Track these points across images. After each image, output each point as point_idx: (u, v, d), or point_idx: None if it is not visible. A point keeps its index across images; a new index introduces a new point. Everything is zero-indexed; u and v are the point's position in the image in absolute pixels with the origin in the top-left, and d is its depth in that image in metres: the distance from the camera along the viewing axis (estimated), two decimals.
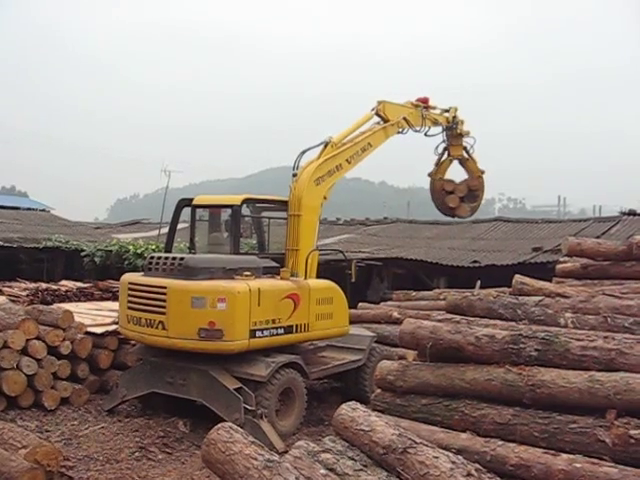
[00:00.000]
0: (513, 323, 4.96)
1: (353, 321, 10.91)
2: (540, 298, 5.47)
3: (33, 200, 41.07)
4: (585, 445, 3.93)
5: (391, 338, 12.34)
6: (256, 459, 3.19)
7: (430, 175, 14.28)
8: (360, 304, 14.41)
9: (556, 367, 4.28)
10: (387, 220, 27.08)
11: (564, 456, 3.86)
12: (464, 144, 14.12)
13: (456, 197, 14.17)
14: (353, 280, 10.75)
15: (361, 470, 3.48)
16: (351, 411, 3.92)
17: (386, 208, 37.76)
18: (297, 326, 9.46)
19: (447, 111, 13.54)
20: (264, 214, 11.23)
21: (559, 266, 7.59)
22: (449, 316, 5.15)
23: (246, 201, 10.29)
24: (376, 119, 11.87)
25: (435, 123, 13.21)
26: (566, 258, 7.93)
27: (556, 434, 4.03)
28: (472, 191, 14.28)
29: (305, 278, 9.85)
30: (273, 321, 9.06)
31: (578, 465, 3.72)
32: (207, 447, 3.40)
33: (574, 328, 4.77)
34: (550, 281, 7.56)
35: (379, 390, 4.96)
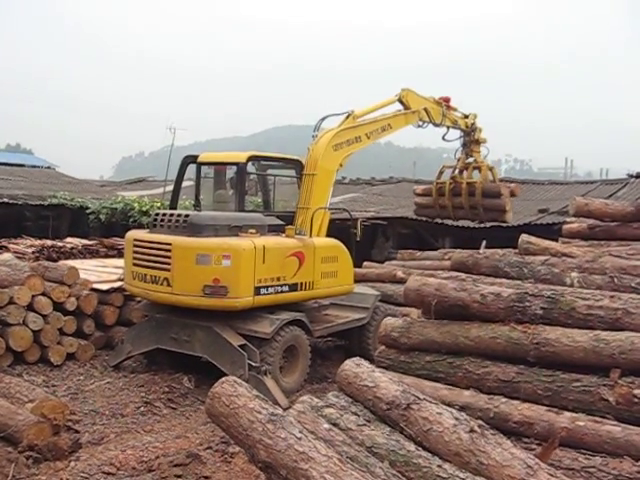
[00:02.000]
0: (519, 282, 4.93)
1: (357, 280, 10.94)
2: (546, 257, 5.44)
3: (38, 157, 40.97)
4: (588, 404, 3.93)
5: (395, 297, 12.42)
6: (260, 413, 3.20)
7: (454, 179, 14.51)
8: (365, 263, 14.49)
9: (561, 326, 4.26)
10: (393, 180, 26.96)
11: (567, 414, 3.87)
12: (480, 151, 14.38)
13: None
14: (358, 239, 10.71)
15: (364, 425, 3.50)
16: (355, 367, 3.93)
17: (392, 169, 37.49)
18: (302, 284, 9.48)
19: (467, 117, 13.79)
20: (269, 172, 11.19)
21: (565, 226, 7.53)
22: (454, 274, 5.13)
23: (252, 158, 10.24)
24: (398, 106, 12.15)
25: (454, 124, 13.48)
26: (573, 219, 7.87)
27: (559, 392, 4.03)
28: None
29: (310, 236, 9.83)
30: (278, 279, 9.07)
31: (581, 423, 3.73)
32: (211, 400, 3.41)
33: (580, 287, 4.73)
34: (556, 242, 7.51)
35: (383, 347, 4.97)
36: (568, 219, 8.08)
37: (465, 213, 14.50)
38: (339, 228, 11.10)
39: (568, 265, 5.16)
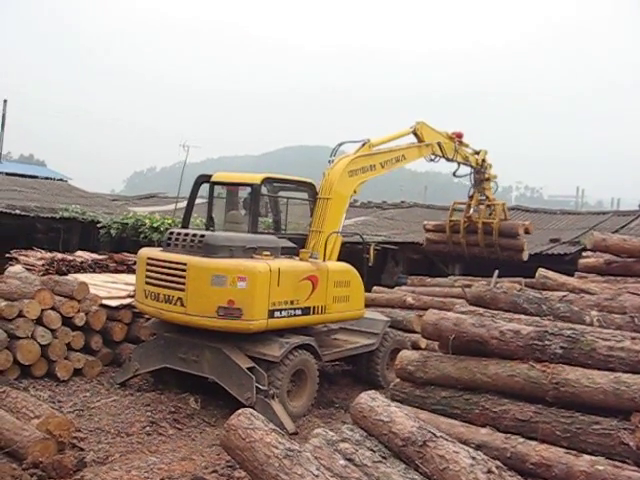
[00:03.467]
0: (537, 318, 4.88)
1: (367, 305, 10.93)
2: (564, 294, 5.39)
3: (51, 170, 41.12)
4: (608, 447, 3.86)
5: (404, 323, 12.44)
6: (277, 447, 3.15)
7: (469, 218, 14.95)
8: (374, 288, 14.52)
9: (581, 366, 4.20)
10: (404, 204, 26.96)
11: (586, 457, 3.80)
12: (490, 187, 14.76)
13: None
14: (371, 264, 10.74)
15: (380, 462, 3.44)
16: (370, 400, 3.87)
17: (403, 192, 37.53)
18: (314, 308, 9.43)
19: (477, 153, 14.09)
20: (282, 193, 11.18)
21: (582, 261, 7.49)
22: (472, 308, 5.07)
23: (266, 180, 10.21)
24: (412, 137, 12.48)
25: (465, 160, 13.79)
26: (589, 253, 7.82)
27: (579, 434, 3.96)
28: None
29: (324, 260, 9.80)
30: (291, 302, 9.04)
31: (600, 467, 3.65)
32: (227, 432, 3.36)
33: (600, 327, 4.68)
34: (568, 273, 7.46)
35: (398, 380, 4.91)
36: (584, 253, 8.02)
37: (480, 251, 14.67)
38: (350, 252, 11.10)
39: (587, 303, 5.11)
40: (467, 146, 13.85)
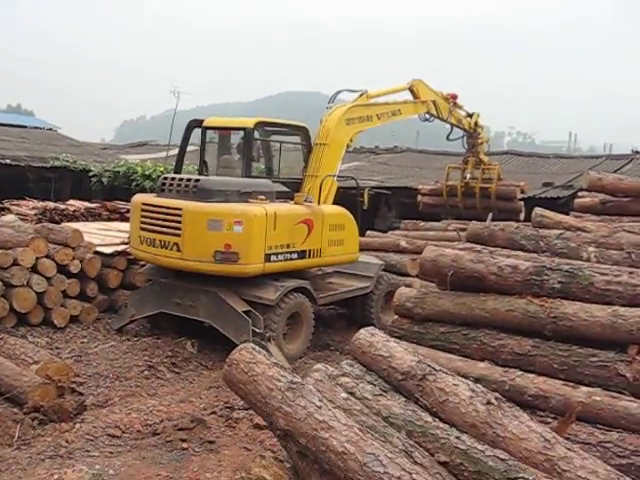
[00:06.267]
0: (535, 255, 4.90)
1: (361, 249, 10.99)
2: (561, 231, 5.40)
3: (40, 119, 40.61)
4: (605, 379, 3.91)
5: (398, 267, 12.53)
6: (279, 380, 3.18)
7: (467, 184, 15.04)
8: (368, 232, 14.61)
9: (579, 300, 4.23)
10: (397, 149, 26.80)
11: (583, 389, 3.85)
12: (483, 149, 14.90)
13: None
14: (365, 208, 10.80)
15: (380, 395, 3.47)
16: (369, 336, 3.89)
17: (395, 137, 37.27)
18: (310, 251, 9.47)
19: (470, 116, 14.13)
20: (275, 138, 11.12)
21: (577, 200, 7.47)
22: (470, 245, 5.08)
23: (259, 124, 10.18)
24: (408, 94, 12.65)
25: (459, 122, 13.84)
26: (584, 193, 7.81)
27: (576, 367, 4.01)
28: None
29: (319, 204, 9.80)
30: (287, 245, 9.06)
31: (597, 398, 3.71)
32: (229, 367, 3.38)
33: (597, 262, 4.70)
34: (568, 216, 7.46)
35: (396, 316, 4.94)
36: (580, 193, 8.02)
37: (477, 213, 14.75)
38: (343, 196, 11.09)
39: (584, 240, 5.12)
40: (461, 108, 13.90)
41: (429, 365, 3.53)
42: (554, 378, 4.00)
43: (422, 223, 14.93)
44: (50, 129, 30.78)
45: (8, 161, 19.82)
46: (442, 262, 4.61)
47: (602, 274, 4.20)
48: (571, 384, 3.90)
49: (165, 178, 9.51)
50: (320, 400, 3.05)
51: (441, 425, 3.21)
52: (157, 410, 7.27)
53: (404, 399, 3.51)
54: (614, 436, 3.45)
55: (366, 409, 3.29)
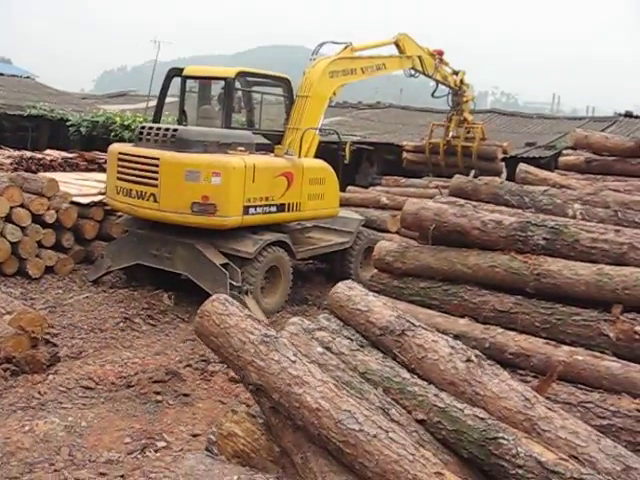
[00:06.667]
0: (519, 211, 4.78)
1: (341, 204, 11.00)
2: (546, 188, 5.28)
3: (17, 67, 39.75)
4: (587, 338, 3.80)
5: (378, 223, 12.50)
6: (252, 333, 3.04)
7: (448, 142, 14.84)
8: (349, 187, 14.60)
9: (564, 258, 4.10)
10: (380, 105, 26.53)
11: (565, 348, 3.74)
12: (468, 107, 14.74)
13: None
14: (347, 162, 10.78)
15: (357, 350, 3.36)
16: (348, 290, 3.77)
17: (378, 94, 36.89)
18: (289, 205, 9.41)
19: (456, 73, 13.94)
20: (256, 89, 10.98)
21: (562, 159, 7.34)
22: (453, 199, 4.94)
23: (240, 74, 10.02)
24: (393, 48, 12.45)
25: (444, 80, 13.64)
26: (569, 151, 7.70)
27: (558, 325, 3.90)
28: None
29: (299, 157, 9.68)
30: (266, 198, 8.99)
31: (579, 357, 3.62)
32: (200, 319, 3.24)
33: (583, 220, 4.59)
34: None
35: (376, 270, 4.82)
36: (564, 151, 7.90)
37: (459, 172, 14.71)
38: (325, 150, 11.01)
39: (569, 197, 5.00)
40: (447, 64, 13.72)
41: (408, 320, 3.43)
42: (536, 336, 3.90)
43: (403, 180, 14.91)
44: (28, 77, 30.10)
45: None
46: (424, 215, 4.48)
47: (588, 232, 4.08)
48: (553, 343, 3.80)
49: (143, 127, 9.40)
50: (294, 354, 2.93)
51: (419, 382, 3.11)
52: (132, 362, 7.23)
53: (382, 355, 3.41)
54: (595, 396, 3.37)
55: (342, 364, 3.18)
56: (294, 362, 2.86)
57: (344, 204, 12.57)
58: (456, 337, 3.60)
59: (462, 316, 4.15)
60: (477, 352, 3.23)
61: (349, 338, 3.49)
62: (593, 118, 22.41)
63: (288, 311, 9.43)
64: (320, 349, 3.21)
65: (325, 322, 3.69)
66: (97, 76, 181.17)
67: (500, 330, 3.95)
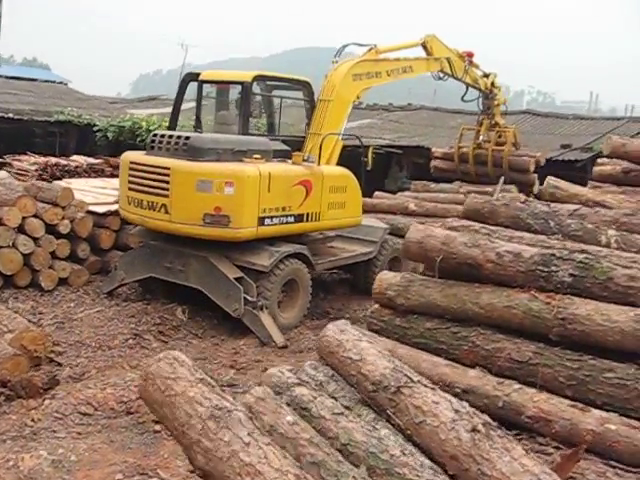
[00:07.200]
0: (543, 237, 4.16)
1: (367, 211, 10.61)
2: (576, 207, 4.66)
3: (52, 73, 40.33)
4: (622, 401, 3.18)
5: (405, 231, 11.86)
6: (201, 404, 2.50)
7: (479, 146, 14.41)
8: (376, 193, 14.20)
9: (594, 299, 3.48)
10: (411, 107, 25.97)
11: (595, 413, 3.13)
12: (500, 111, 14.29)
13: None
14: (369, 168, 10.34)
15: (341, 414, 2.81)
16: (339, 333, 3.23)
17: (411, 95, 36.30)
18: (308, 215, 9.09)
19: (487, 76, 13.53)
20: (275, 93, 10.72)
21: (597, 168, 6.71)
22: (466, 223, 4.36)
23: (257, 78, 9.76)
24: (420, 50, 12.13)
25: (475, 82, 13.24)
26: (604, 160, 7.05)
27: (587, 383, 3.28)
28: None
29: (319, 164, 9.33)
30: (283, 208, 8.68)
31: (612, 427, 3.01)
32: (144, 382, 2.74)
33: (618, 249, 3.96)
34: (580, 183, 6.71)
35: (376, 306, 4.27)
36: (599, 160, 7.26)
37: (490, 180, 14.17)
38: (349, 156, 10.60)
39: (602, 218, 4.38)
40: (477, 67, 13.26)
41: (406, 374, 2.88)
42: (559, 395, 3.29)
43: (433, 185, 14.50)
44: (61, 82, 30.35)
45: (10, 115, 19.39)
46: (430, 244, 3.91)
47: (624, 267, 3.44)
48: (580, 405, 3.19)
49: (155, 135, 9.17)
50: (250, 433, 2.39)
51: (411, 462, 2.55)
52: (135, 385, 6.84)
53: (373, 415, 2.87)
54: (632, 478, 2.76)
55: (317, 438, 2.64)
56: (247, 444, 2.30)
57: (371, 211, 12.37)
58: (464, 392, 3.07)
59: (473, 365, 3.58)
60: (486, 418, 2.66)
61: (333, 397, 2.95)
62: (632, 118, 21.69)
63: (307, 326, 9.07)
64: (290, 418, 2.66)
65: (312, 372, 3.16)
66: (134, 79, 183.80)
67: (517, 386, 3.37)
